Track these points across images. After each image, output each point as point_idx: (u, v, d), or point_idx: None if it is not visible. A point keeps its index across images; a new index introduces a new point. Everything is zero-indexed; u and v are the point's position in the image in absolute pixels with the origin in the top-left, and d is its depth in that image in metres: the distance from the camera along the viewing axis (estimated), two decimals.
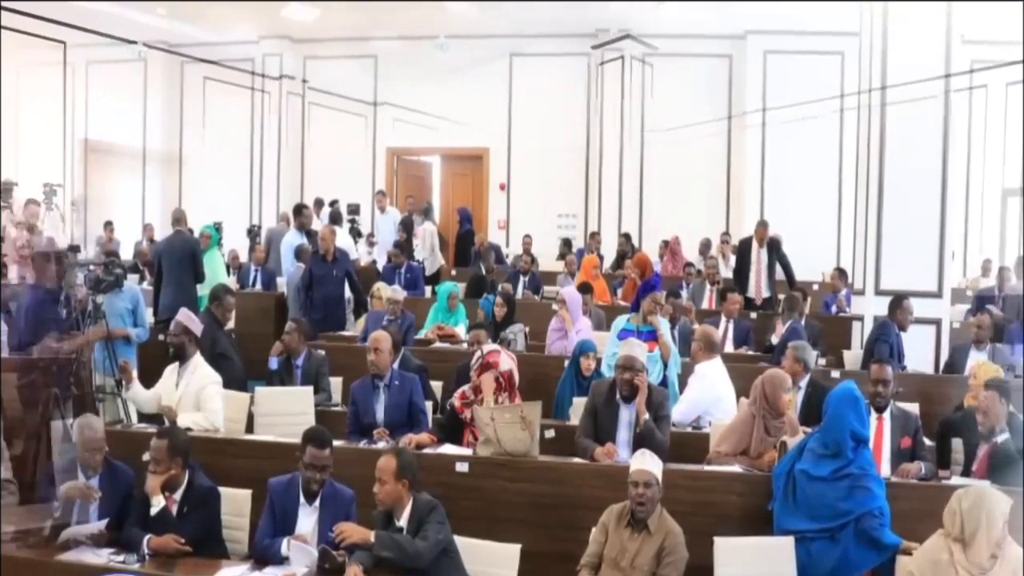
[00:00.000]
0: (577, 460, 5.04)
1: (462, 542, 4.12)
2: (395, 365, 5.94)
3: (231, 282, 10.61)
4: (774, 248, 9.79)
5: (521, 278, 10.82)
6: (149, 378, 6.01)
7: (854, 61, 9.67)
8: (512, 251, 13.43)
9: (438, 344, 8.25)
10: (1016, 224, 12.71)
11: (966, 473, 5.14)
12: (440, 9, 12.08)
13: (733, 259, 10.66)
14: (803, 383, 5.89)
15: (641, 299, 6.54)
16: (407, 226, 11.49)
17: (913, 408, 5.88)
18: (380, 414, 5.61)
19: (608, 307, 9.27)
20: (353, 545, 3.92)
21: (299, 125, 14.90)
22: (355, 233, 12.10)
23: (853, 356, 8.20)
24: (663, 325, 6.61)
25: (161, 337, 7.12)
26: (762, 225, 9.94)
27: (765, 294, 9.75)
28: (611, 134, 13.74)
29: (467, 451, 5.19)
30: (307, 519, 4.25)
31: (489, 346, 5.89)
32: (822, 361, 7.69)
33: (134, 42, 11.66)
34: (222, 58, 13.57)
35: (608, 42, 13.37)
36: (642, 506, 4.15)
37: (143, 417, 6.11)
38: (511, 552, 4.11)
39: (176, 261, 8.45)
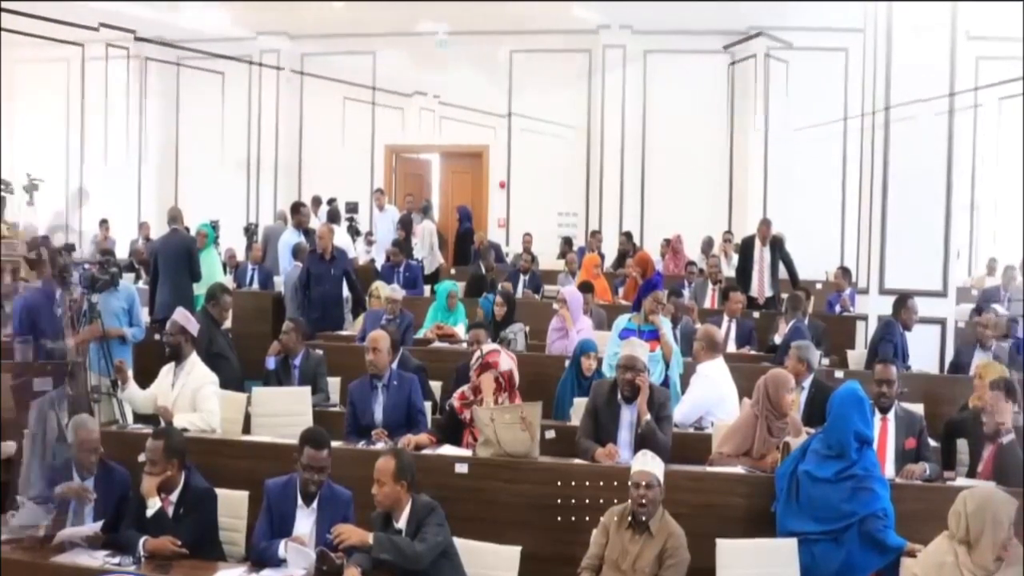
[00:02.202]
0: (578, 461, 5.00)
1: (462, 544, 4.10)
2: (394, 365, 5.89)
3: (228, 281, 10.55)
4: (777, 247, 9.73)
5: (521, 277, 10.76)
6: (145, 378, 5.98)
7: (858, 58, 9.63)
8: (512, 250, 13.37)
9: (437, 344, 8.21)
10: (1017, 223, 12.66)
11: (971, 474, 5.11)
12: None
13: (736, 258, 10.60)
14: (806, 383, 5.84)
15: (642, 298, 6.49)
16: (406, 224, 11.44)
17: (918, 408, 5.86)
18: (378, 414, 5.56)
19: (609, 306, 9.23)
20: (351, 547, 3.90)
21: (297, 122, 14.85)
22: (353, 231, 12.05)
23: (857, 356, 8.15)
24: (665, 325, 6.57)
25: (157, 337, 7.07)
26: (765, 223, 9.86)
27: (768, 293, 9.69)
28: (612, 131, 13.68)
29: (467, 452, 5.16)
30: (305, 521, 4.23)
31: (489, 346, 5.85)
32: (825, 361, 7.65)
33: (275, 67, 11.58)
34: (220, 54, 13.54)
35: (741, 40, 13.10)
36: (643, 507, 4.12)
37: (139, 418, 6.06)
38: (511, 554, 4.10)
39: (172, 260, 8.41)
